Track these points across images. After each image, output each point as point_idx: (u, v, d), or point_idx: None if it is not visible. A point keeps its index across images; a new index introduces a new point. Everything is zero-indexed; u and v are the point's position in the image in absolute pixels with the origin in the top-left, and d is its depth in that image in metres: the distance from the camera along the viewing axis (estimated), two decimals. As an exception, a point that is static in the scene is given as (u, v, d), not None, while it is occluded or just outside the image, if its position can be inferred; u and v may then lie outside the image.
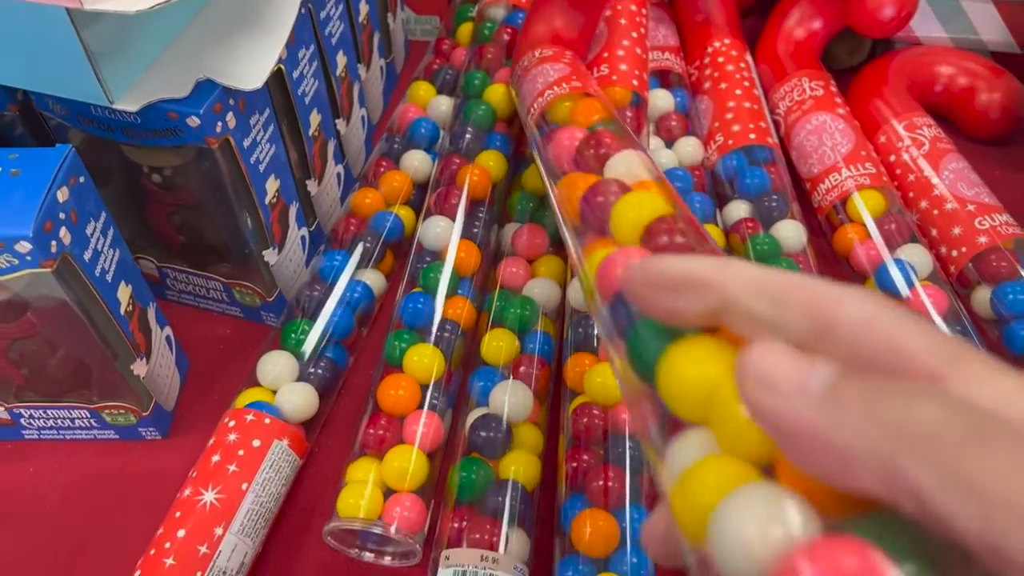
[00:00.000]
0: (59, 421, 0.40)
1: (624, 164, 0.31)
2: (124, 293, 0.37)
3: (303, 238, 0.45)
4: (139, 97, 0.34)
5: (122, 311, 0.36)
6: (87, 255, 0.34)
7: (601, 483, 0.35)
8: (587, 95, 0.39)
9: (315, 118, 0.44)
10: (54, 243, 0.31)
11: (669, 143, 0.50)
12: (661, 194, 0.27)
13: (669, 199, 0.26)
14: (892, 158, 0.48)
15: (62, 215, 0.32)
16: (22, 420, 0.40)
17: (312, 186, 0.46)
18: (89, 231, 0.34)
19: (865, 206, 0.45)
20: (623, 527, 0.34)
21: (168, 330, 0.41)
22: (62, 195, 0.32)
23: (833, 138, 0.48)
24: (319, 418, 0.40)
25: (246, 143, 0.38)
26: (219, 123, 0.36)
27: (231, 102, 0.36)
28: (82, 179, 0.33)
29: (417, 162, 0.49)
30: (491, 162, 0.46)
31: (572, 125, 0.36)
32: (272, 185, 0.41)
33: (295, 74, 0.41)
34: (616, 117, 0.37)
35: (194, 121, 0.35)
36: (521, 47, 0.46)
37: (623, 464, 0.36)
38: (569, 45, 0.46)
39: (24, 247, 0.30)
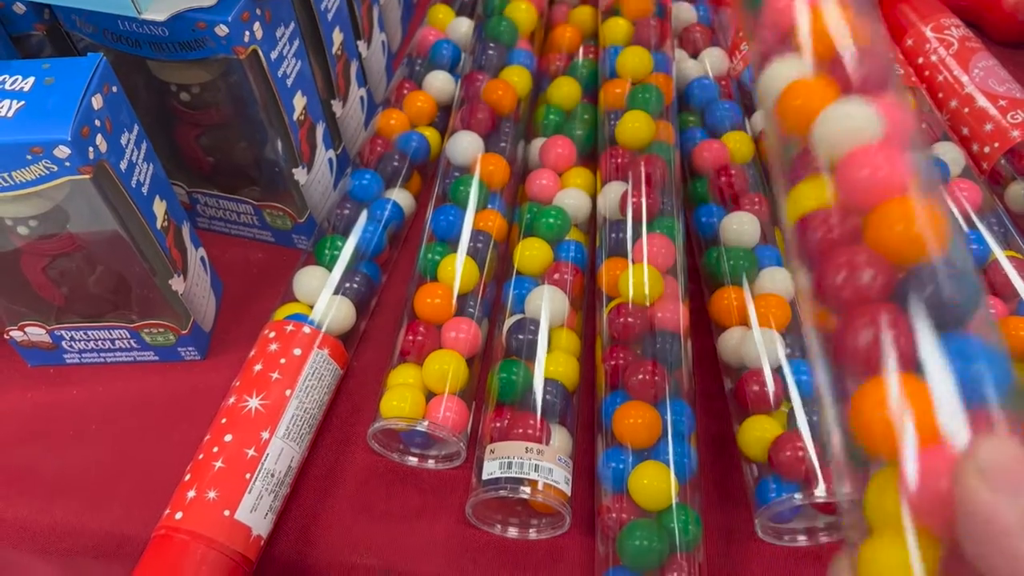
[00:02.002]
0: (99, 343, 0.40)
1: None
2: (159, 208, 0.37)
3: (330, 160, 0.45)
4: (166, 7, 0.34)
5: (158, 225, 0.36)
6: (123, 165, 0.34)
7: (641, 376, 0.35)
8: None
9: (337, 36, 0.44)
10: (91, 149, 0.32)
11: (694, 55, 0.49)
12: None
13: None
14: (920, 60, 0.48)
15: (97, 122, 0.32)
16: (63, 343, 0.40)
17: (337, 107, 0.45)
18: (123, 141, 0.34)
19: (895, 107, 0.44)
20: (664, 419, 0.34)
21: (202, 251, 0.42)
22: (96, 102, 0.32)
23: (860, 42, 0.47)
24: (356, 332, 0.40)
25: (273, 55, 0.37)
26: (247, 32, 0.35)
27: (258, 11, 0.36)
28: (115, 88, 0.33)
29: (439, 83, 0.48)
30: (515, 77, 0.46)
31: None
32: (299, 102, 0.40)
33: (317, -11, 0.41)
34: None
35: (222, 30, 0.35)
36: None
37: (662, 359, 0.36)
38: None
39: (63, 152, 0.31)
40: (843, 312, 0.21)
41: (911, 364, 0.19)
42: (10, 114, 0.31)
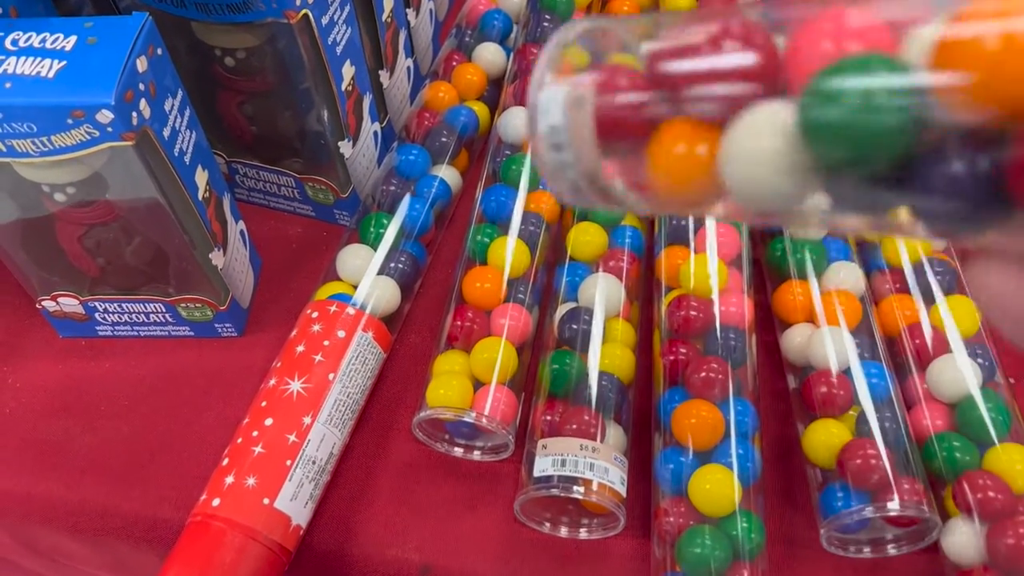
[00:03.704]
0: (134, 316, 0.39)
1: None
2: (201, 178, 0.35)
3: (375, 134, 0.43)
4: (215, -35, 0.32)
5: (200, 196, 0.35)
6: (166, 132, 0.32)
7: (703, 374, 0.33)
8: None
9: (388, 3, 0.42)
10: (135, 115, 0.30)
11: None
12: None
13: None
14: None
15: (142, 86, 0.30)
16: (96, 315, 0.39)
17: (384, 78, 0.43)
18: (167, 107, 0.32)
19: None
20: (727, 419, 0.32)
21: (242, 224, 0.40)
22: (141, 65, 0.30)
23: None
24: (400, 314, 0.39)
25: (324, 20, 0.36)
26: (298, -5, 0.33)
27: (310, -27, 0.34)
28: (159, 51, 0.32)
29: (490, 55, 0.46)
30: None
31: None
32: (348, 71, 0.39)
33: (370, -48, 0.39)
34: None
35: (273, -9, 0.33)
36: None
37: (725, 355, 0.34)
38: None
39: (106, 117, 0.29)
40: None
41: None
42: (51, 74, 0.29)
